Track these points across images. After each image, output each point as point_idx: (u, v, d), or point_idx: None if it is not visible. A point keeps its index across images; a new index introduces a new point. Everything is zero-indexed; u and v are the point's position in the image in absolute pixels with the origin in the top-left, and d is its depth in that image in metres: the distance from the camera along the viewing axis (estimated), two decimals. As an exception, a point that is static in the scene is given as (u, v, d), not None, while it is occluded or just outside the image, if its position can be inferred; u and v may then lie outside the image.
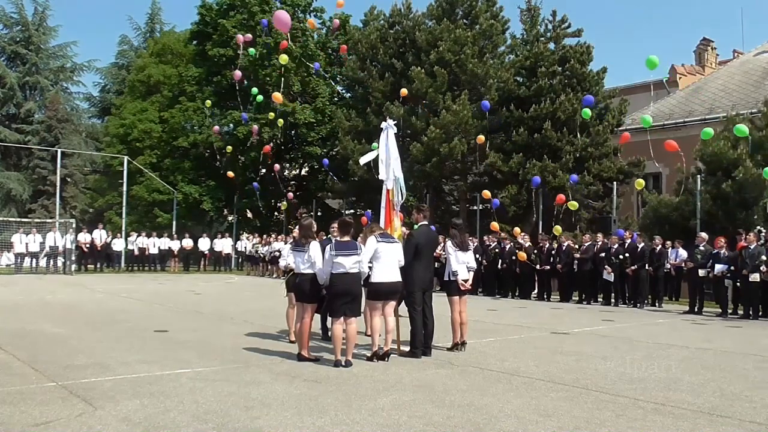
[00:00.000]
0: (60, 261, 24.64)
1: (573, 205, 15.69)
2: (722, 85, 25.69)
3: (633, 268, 14.84)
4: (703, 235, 14.57)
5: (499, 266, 17.56)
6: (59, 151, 29.68)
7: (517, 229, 17.64)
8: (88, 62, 45.25)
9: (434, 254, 8.86)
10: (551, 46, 23.07)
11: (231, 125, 28.03)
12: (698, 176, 17.23)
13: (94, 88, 46.86)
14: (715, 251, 13.64)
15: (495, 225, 15.63)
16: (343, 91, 29.99)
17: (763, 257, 12.53)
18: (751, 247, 12.91)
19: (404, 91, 17.83)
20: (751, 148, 16.35)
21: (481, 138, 18.42)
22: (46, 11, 43.71)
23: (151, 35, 43.70)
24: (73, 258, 24.13)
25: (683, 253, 15.11)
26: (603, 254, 15.59)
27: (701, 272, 13.69)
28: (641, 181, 15.84)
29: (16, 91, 40.98)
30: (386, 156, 8.08)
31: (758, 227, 14.17)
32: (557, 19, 23.19)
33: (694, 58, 31.81)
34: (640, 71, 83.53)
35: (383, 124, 8.25)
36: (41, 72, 42.58)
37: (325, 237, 8.46)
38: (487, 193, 17.71)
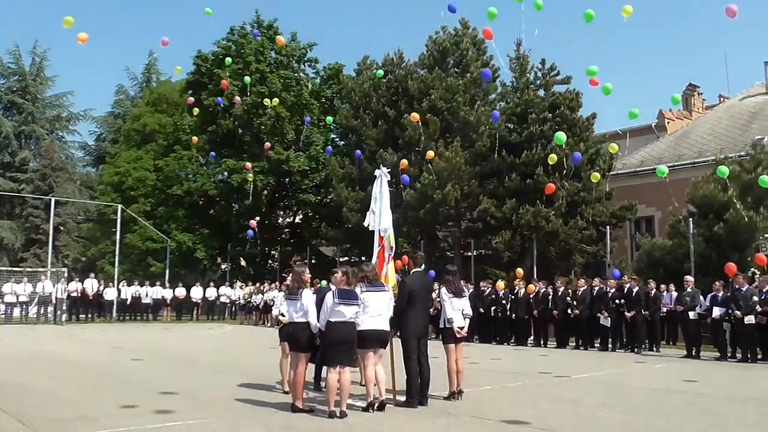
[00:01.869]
0: (50, 310, 24.37)
1: (552, 158, 16.74)
2: (710, 129, 26.06)
3: (631, 314, 14.80)
4: (689, 278, 14.63)
5: (493, 313, 17.49)
6: (53, 199, 29.68)
7: (519, 271, 17.60)
8: (84, 111, 45.74)
9: (429, 301, 8.80)
10: (541, 93, 23.40)
11: (225, 173, 28.18)
12: (690, 219, 17.33)
13: (90, 136, 47.20)
14: (712, 294, 13.65)
15: (519, 271, 16.01)
16: (337, 139, 30.27)
17: (755, 298, 12.54)
18: (744, 289, 12.92)
19: (415, 116, 17.97)
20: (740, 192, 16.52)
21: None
22: (43, 62, 44.34)
23: (147, 85, 44.25)
24: (64, 307, 23.88)
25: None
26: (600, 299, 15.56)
27: (691, 315, 13.70)
28: (614, 146, 15.82)
29: (11, 140, 41.19)
30: (379, 203, 8.10)
31: (752, 269, 14.20)
32: (546, 67, 23.57)
33: (681, 103, 32.29)
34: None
35: (377, 172, 8.30)
36: (37, 121, 42.89)
37: (318, 286, 8.42)
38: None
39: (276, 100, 20.85)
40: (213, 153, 25.44)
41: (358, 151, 21.19)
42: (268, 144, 23.73)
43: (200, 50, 30.12)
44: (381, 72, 19.13)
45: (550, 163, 17.57)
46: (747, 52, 66.32)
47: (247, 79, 23.28)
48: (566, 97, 22.88)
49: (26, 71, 43.36)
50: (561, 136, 14.62)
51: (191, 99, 24.01)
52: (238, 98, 23.07)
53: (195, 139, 24.69)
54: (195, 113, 22.18)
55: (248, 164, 24.09)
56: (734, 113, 26.87)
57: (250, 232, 23.08)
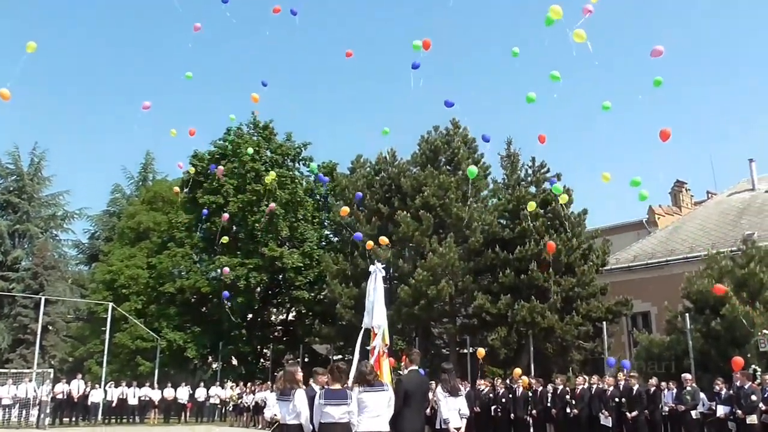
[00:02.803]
0: (34, 414, 23.52)
1: (531, 205, 17.15)
2: (700, 225, 26.37)
3: (633, 414, 14.41)
4: (688, 375, 14.37)
5: (492, 412, 17.01)
6: (43, 298, 29.33)
7: (517, 370, 17.27)
8: (79, 210, 45.99)
9: (425, 401, 8.57)
10: (532, 189, 23.81)
11: (218, 271, 28.09)
12: (686, 315, 17.21)
13: (84, 235, 47.28)
14: (716, 390, 13.36)
15: (518, 371, 15.77)
16: (331, 235, 30.42)
17: (753, 397, 12.27)
18: (746, 386, 12.66)
19: (383, 240, 18.24)
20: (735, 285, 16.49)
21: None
22: (42, 162, 44.97)
23: (143, 184, 44.79)
24: (48, 410, 23.08)
25: (681, 395, 14.76)
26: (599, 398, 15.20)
27: (694, 414, 13.36)
28: (607, 175, 15.27)
29: (5, 239, 41.16)
30: (373, 299, 8.06)
31: (753, 366, 13.97)
32: (536, 164, 24.13)
33: (670, 199, 32.87)
34: (620, 212, 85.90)
35: (371, 267, 8.32)
36: (32, 220, 43.02)
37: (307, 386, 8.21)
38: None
39: (273, 174, 21.32)
40: (226, 293, 25.30)
41: (358, 234, 21.41)
42: (221, 168, 24.24)
43: (197, 150, 30.75)
44: (387, 130, 18.76)
45: (529, 210, 17.93)
46: (730, 151, 68.29)
47: (250, 150, 23.68)
48: (557, 194, 23.23)
49: (24, 171, 43.89)
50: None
51: (176, 188, 24.30)
52: (221, 167, 23.71)
53: (176, 189, 24.70)
54: (180, 195, 22.16)
55: (226, 269, 24.22)
56: (723, 209, 27.30)
57: (225, 293, 22.64)
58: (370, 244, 19.03)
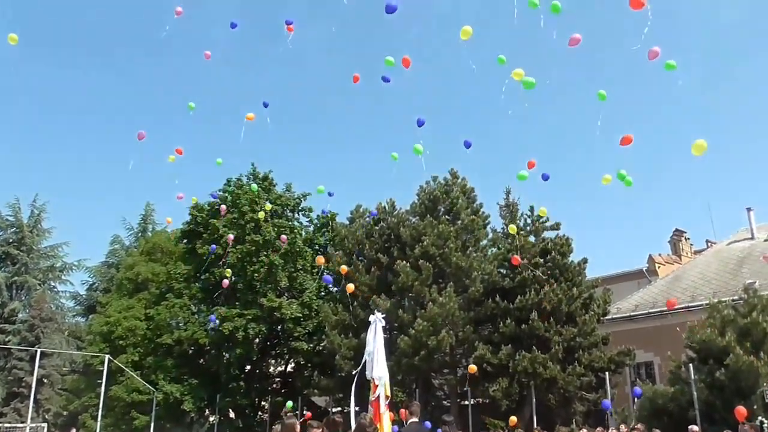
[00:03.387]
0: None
1: (512, 228, 17.82)
2: (700, 274, 26.33)
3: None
4: (695, 428, 14.12)
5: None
6: (39, 351, 28.99)
7: (513, 418, 16.95)
8: (78, 262, 45.85)
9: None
10: (532, 239, 23.84)
11: (217, 321, 27.86)
12: (690, 365, 17.02)
13: (82, 286, 46.98)
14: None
15: (513, 419, 15.51)
16: (330, 286, 30.27)
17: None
18: (754, 439, 12.43)
19: (320, 259, 18.39)
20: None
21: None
22: (42, 214, 45.07)
23: (143, 235, 44.80)
24: (41, 467, 22.59)
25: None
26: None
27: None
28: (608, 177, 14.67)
29: (2, 291, 40.91)
30: (373, 350, 7.99)
31: (759, 418, 13.75)
32: (535, 213, 24.22)
33: (669, 248, 32.89)
34: (620, 261, 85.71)
35: (371, 317, 8.28)
36: (30, 272, 42.86)
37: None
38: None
39: (268, 206, 21.37)
40: (214, 246, 25.38)
41: (328, 278, 21.77)
42: (224, 207, 24.35)
43: (196, 200, 30.85)
44: (396, 155, 18.07)
45: (511, 232, 17.92)
46: (727, 200, 68.69)
47: (268, 206, 23.87)
48: (556, 243, 23.29)
49: (24, 223, 43.94)
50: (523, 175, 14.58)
51: (168, 219, 24.08)
52: (224, 206, 23.84)
53: (168, 219, 24.70)
54: (174, 240, 22.00)
55: (231, 236, 24.11)
56: (723, 258, 27.30)
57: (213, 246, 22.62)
58: (350, 287, 18.97)
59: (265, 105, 16.69)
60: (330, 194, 19.12)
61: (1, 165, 71.48)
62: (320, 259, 20.44)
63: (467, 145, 15.34)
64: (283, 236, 25.00)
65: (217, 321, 24.81)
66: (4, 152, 70.28)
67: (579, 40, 11.45)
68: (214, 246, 25.67)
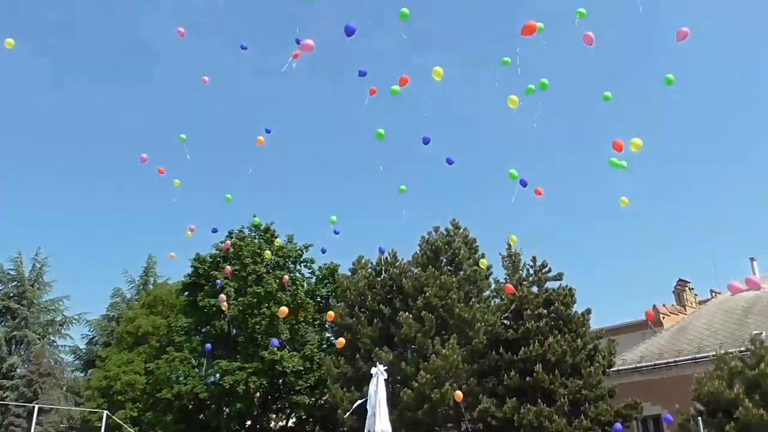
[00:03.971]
0: None
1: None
2: (706, 324, 26.10)
3: None
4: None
5: None
6: (36, 407, 28.56)
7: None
8: (78, 315, 45.55)
9: None
10: (534, 289, 23.74)
11: (217, 375, 27.54)
12: (699, 418, 16.72)
13: (82, 340, 46.56)
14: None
15: None
16: (332, 338, 30.00)
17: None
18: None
19: (222, 299, 18.29)
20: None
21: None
22: (43, 267, 45.04)
23: (144, 287, 44.67)
24: None
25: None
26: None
27: None
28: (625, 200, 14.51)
29: (1, 346, 40.57)
30: (376, 403, 7.87)
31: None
32: (538, 264, 24.17)
33: (674, 298, 32.69)
34: (624, 312, 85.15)
35: (374, 370, 8.20)
36: (30, 326, 42.56)
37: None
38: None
39: (268, 254, 21.31)
40: (208, 345, 25.04)
41: (275, 341, 21.72)
42: (228, 268, 24.08)
43: (198, 253, 30.88)
44: (404, 188, 16.68)
45: (481, 266, 17.66)
46: (731, 249, 68.58)
47: (267, 254, 23.74)
48: (559, 293, 23.19)
49: (25, 277, 43.88)
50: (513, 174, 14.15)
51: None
52: (228, 267, 23.59)
53: (172, 255, 23.46)
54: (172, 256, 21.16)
55: (222, 296, 23.69)
56: (728, 308, 27.10)
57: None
58: (340, 341, 18.71)
59: (268, 131, 16.50)
60: (323, 251, 19.16)
61: (5, 217, 71.76)
62: (330, 315, 20.39)
63: (450, 161, 15.14)
64: (286, 277, 24.90)
65: (224, 297, 24.36)
66: (8, 204, 70.75)
67: (687, 33, 11.57)
68: (218, 281, 25.52)
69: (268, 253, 20.53)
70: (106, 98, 79.22)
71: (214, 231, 17.18)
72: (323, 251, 19.48)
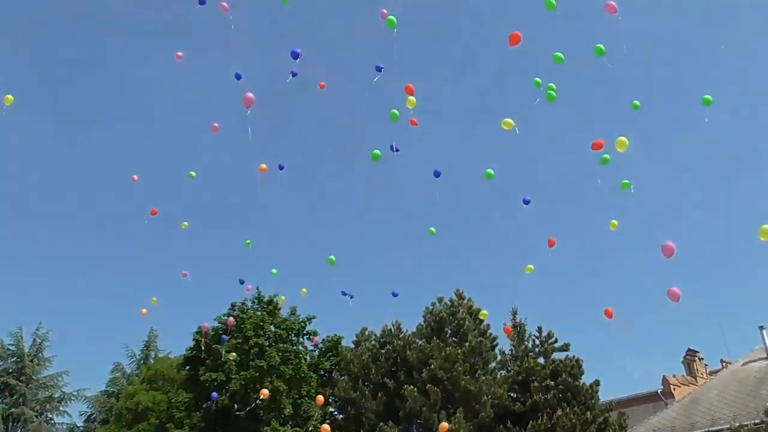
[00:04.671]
0: None
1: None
2: (718, 395, 25.53)
3: None
4: None
5: None
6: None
7: None
8: (77, 391, 44.80)
9: None
10: (541, 360, 23.39)
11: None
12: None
13: (80, 417, 45.60)
14: None
15: None
16: (335, 413, 29.31)
17: None
18: None
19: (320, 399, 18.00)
20: None
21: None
22: (44, 342, 44.66)
23: (145, 362, 44.08)
24: None
25: None
26: None
27: None
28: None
29: (-2, 424, 39.80)
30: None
31: None
32: (544, 334, 23.89)
33: (683, 368, 32.12)
34: (634, 384, 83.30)
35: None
36: (28, 403, 41.84)
37: None
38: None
39: (233, 355, 21.02)
40: (215, 394, 24.36)
41: (215, 394, 21.08)
42: (231, 319, 23.59)
43: (200, 325, 30.56)
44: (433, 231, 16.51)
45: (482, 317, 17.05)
46: (740, 318, 67.75)
47: (233, 355, 23.35)
48: (567, 365, 22.82)
49: (25, 352, 43.46)
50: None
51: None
52: (231, 319, 23.31)
53: (154, 300, 22.41)
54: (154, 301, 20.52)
55: (230, 319, 23.10)
56: (740, 378, 26.58)
57: (214, 394, 21.49)
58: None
59: (281, 167, 16.32)
60: (313, 340, 18.95)
61: (6, 291, 71.59)
62: (320, 399, 20.08)
63: (437, 174, 14.60)
64: (231, 319, 24.27)
65: (232, 319, 23.77)
66: (9, 278, 70.67)
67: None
68: (215, 394, 25.10)
69: (233, 355, 20.57)
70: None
71: (242, 282, 17.09)
72: (314, 342, 18.84)
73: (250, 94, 13.72)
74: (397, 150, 14.29)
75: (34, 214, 76.23)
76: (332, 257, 17.14)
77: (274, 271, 16.82)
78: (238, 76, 15.23)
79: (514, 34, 12.22)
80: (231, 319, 25.11)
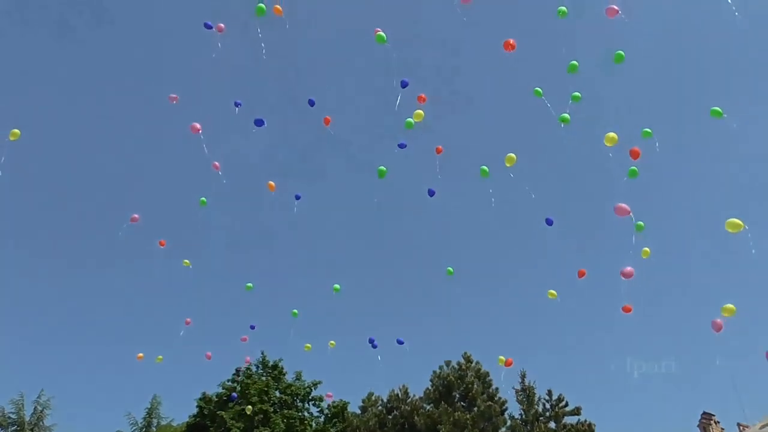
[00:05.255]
0: None
1: None
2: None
3: None
4: None
5: None
6: None
7: None
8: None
9: None
10: (552, 425, 22.86)
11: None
12: None
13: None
14: None
15: None
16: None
17: None
18: None
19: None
20: None
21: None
22: (45, 410, 43.81)
23: (147, 430, 43.13)
24: None
25: None
26: None
27: None
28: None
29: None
30: None
31: None
32: (554, 397, 23.42)
33: (699, 433, 31.21)
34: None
35: None
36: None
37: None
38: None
39: (249, 408, 20.62)
40: (234, 395, 23.85)
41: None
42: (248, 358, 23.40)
43: (204, 392, 30.07)
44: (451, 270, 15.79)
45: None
46: (755, 379, 66.30)
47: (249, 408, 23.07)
48: (579, 429, 22.30)
49: (25, 421, 42.58)
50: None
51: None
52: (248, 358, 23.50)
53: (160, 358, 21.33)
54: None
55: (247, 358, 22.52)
56: (757, 441, 25.83)
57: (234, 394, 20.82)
58: None
59: (298, 198, 15.98)
60: (252, 327, 18.05)
61: (8, 359, 70.86)
62: None
63: (431, 193, 14.43)
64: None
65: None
66: (11, 345, 70.07)
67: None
68: (234, 395, 24.80)
69: (249, 408, 20.28)
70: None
71: (252, 328, 16.76)
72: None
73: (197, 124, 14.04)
74: (432, 194, 14.41)
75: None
76: (295, 310, 16.69)
77: (294, 311, 16.30)
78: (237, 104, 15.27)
79: (508, 41, 12.37)
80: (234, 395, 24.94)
